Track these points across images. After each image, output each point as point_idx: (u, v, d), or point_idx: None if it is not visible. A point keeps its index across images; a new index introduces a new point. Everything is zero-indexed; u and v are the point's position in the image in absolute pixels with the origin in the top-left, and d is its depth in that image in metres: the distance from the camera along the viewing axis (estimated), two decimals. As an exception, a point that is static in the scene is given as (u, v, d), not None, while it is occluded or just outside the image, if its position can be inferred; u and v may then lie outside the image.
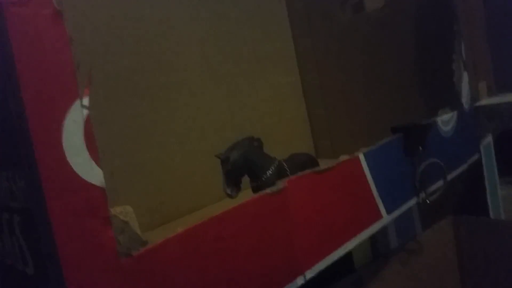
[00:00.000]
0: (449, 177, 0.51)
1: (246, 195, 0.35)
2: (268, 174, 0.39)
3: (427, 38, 0.59)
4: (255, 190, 0.39)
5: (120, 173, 0.50)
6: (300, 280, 0.34)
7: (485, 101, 1.08)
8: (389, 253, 0.60)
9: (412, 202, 0.46)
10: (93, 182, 0.23)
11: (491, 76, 1.20)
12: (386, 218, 0.42)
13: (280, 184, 0.33)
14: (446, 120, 0.53)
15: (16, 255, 0.28)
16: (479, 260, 0.63)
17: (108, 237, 0.24)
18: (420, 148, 0.46)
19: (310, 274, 0.34)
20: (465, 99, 0.57)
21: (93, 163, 0.24)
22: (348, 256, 0.55)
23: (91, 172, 0.23)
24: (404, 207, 0.45)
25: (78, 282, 0.23)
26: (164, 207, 0.56)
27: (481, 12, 1.19)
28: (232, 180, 0.38)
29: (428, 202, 0.45)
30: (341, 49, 0.70)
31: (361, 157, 0.40)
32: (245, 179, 0.40)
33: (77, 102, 0.23)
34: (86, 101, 0.24)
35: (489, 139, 0.68)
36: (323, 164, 0.38)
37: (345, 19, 0.68)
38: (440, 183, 0.49)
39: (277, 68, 0.75)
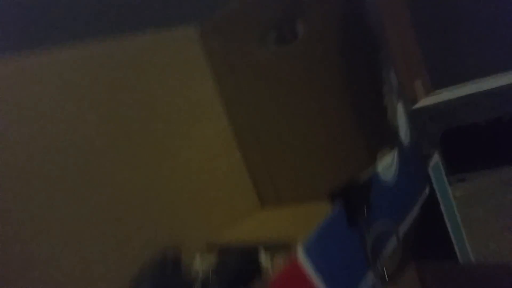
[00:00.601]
0: (403, 229, 0.45)
1: None
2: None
3: (355, 71, 0.54)
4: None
5: None
6: None
7: (423, 102, 1.06)
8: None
9: (369, 281, 0.40)
10: None
11: (426, 74, 1.19)
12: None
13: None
14: (387, 165, 0.48)
15: None
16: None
17: None
18: (365, 212, 0.40)
19: None
20: (403, 132, 0.52)
21: None
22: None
23: None
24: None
25: None
26: None
27: (407, 11, 1.17)
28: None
29: (387, 279, 0.40)
30: (267, 87, 0.63)
31: (300, 255, 0.33)
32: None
33: None
34: None
35: (435, 157, 0.64)
36: (269, 215, 0.32)
37: (266, 54, 0.62)
38: (394, 241, 0.44)
39: (202, 117, 0.67)
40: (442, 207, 0.63)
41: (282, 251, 0.39)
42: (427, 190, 0.55)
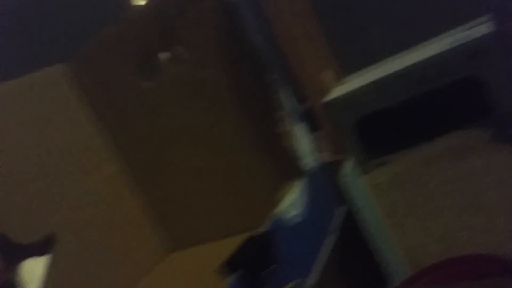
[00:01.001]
0: (318, 268, 0.41)
1: None
2: None
3: (245, 96, 0.48)
4: None
5: None
6: None
7: (335, 92, 1.03)
8: None
9: None
10: None
11: (334, 61, 1.16)
12: None
13: None
14: (292, 200, 0.43)
15: None
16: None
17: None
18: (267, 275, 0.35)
19: None
20: (308, 157, 0.47)
21: None
22: None
23: None
24: None
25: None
26: None
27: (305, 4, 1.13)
28: None
29: None
30: (153, 120, 0.56)
31: None
32: None
33: None
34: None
35: (349, 163, 0.61)
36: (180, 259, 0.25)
37: (146, 85, 0.54)
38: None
39: (89, 163, 0.59)
40: (362, 216, 0.60)
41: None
42: (342, 209, 0.52)
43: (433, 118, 1.06)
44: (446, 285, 0.58)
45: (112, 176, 0.61)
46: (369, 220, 0.58)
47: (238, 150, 0.51)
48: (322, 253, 0.44)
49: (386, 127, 1.13)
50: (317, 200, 0.46)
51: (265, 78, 0.44)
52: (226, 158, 0.52)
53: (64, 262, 0.51)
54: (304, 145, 0.47)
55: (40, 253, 0.46)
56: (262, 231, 0.38)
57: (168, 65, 0.52)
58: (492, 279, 0.54)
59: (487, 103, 0.87)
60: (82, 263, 0.52)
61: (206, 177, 0.54)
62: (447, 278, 0.63)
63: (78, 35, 0.58)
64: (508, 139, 0.83)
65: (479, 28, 0.91)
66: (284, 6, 1.01)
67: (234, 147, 0.51)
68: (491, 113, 0.88)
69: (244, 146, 0.50)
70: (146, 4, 0.49)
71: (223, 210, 0.52)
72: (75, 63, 0.56)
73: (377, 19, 1.15)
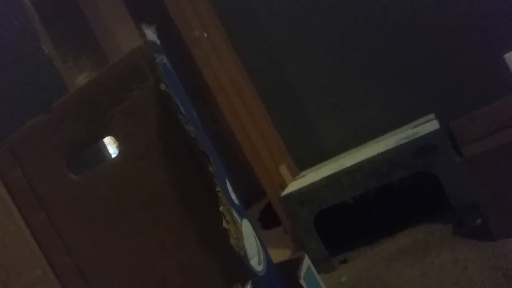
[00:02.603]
0: None
1: None
2: None
3: (184, 189, 0.43)
4: None
5: None
6: None
7: (291, 187, 1.01)
8: None
9: None
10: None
11: (289, 157, 1.16)
12: None
13: None
14: (239, 310, 0.36)
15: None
16: None
17: None
18: None
19: None
20: (256, 257, 0.41)
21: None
22: None
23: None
24: None
25: None
26: None
27: (256, 98, 1.16)
28: None
29: None
30: (81, 213, 0.50)
31: None
32: None
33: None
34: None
35: (306, 261, 0.55)
36: None
37: (76, 180, 0.49)
38: None
39: (16, 264, 0.50)
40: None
41: None
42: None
43: (392, 213, 1.04)
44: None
45: (36, 281, 0.52)
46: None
47: (181, 249, 0.45)
48: None
49: (345, 223, 1.10)
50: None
51: (206, 171, 0.40)
52: (169, 258, 0.46)
53: None
54: (252, 243, 0.41)
55: None
56: None
57: (102, 156, 0.48)
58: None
59: (444, 198, 0.86)
60: None
61: (146, 283, 0.47)
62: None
63: (8, 122, 0.53)
64: (469, 233, 0.81)
65: (426, 125, 0.94)
66: (236, 103, 1.02)
67: (177, 245, 0.45)
68: (449, 208, 0.87)
69: (188, 245, 0.44)
70: (78, 93, 0.45)
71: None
72: (0, 154, 0.50)
73: (327, 116, 1.18)
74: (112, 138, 0.46)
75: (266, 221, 1.31)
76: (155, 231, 0.46)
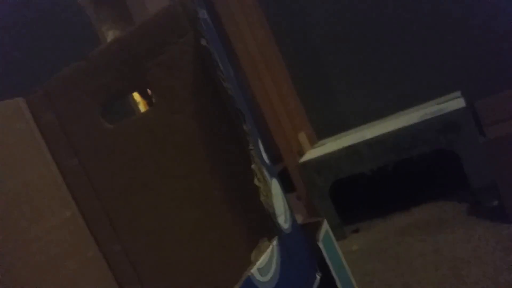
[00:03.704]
0: None
1: None
2: None
3: (216, 145, 0.44)
4: None
5: None
6: None
7: (309, 155, 1.02)
8: None
9: None
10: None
11: (309, 125, 1.16)
12: None
13: None
14: (264, 263, 0.38)
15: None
16: None
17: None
18: None
19: None
20: (282, 216, 0.43)
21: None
22: None
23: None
24: None
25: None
26: None
27: (281, 61, 1.15)
28: None
29: None
30: (113, 162, 0.51)
31: None
32: None
33: None
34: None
35: (325, 226, 0.56)
36: None
37: (110, 128, 0.50)
38: None
39: (44, 207, 0.52)
40: (337, 285, 0.54)
41: None
42: (318, 275, 0.47)
43: (408, 188, 1.05)
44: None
45: (68, 222, 0.54)
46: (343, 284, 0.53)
47: (210, 203, 0.46)
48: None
49: (360, 194, 1.11)
50: (292, 263, 0.41)
51: (239, 129, 0.40)
52: (198, 212, 0.47)
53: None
54: (279, 203, 0.42)
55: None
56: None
57: (135, 108, 0.48)
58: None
59: (462, 176, 0.86)
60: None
61: (174, 231, 0.49)
62: None
63: (43, 69, 0.54)
64: (485, 213, 0.81)
65: (452, 103, 0.93)
66: (260, 67, 1.01)
67: (206, 200, 0.47)
68: (466, 187, 0.87)
69: (217, 200, 0.46)
70: (115, 43, 0.46)
71: (191, 267, 0.46)
72: (36, 98, 0.51)
73: (351, 86, 1.17)
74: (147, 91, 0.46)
75: (280, 186, 1.33)
76: (185, 183, 0.47)
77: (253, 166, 0.41)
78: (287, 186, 1.31)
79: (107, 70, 0.48)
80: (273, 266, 0.39)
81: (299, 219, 1.03)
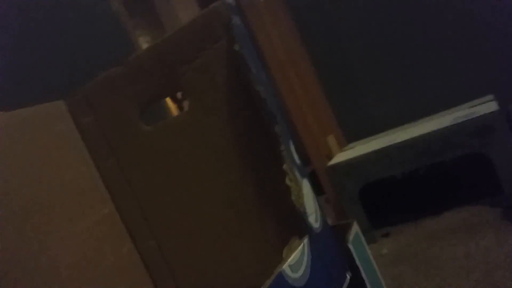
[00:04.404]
0: None
1: None
2: None
3: (249, 146, 0.46)
4: None
5: None
6: None
7: (338, 158, 1.02)
8: None
9: None
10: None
11: (338, 128, 1.16)
12: None
13: None
14: (295, 260, 0.39)
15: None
16: None
17: None
18: None
19: None
20: (313, 216, 0.44)
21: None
22: None
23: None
24: None
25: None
26: None
27: (311, 67, 1.16)
28: None
29: None
30: (150, 162, 0.53)
31: None
32: None
33: None
34: None
35: (355, 228, 0.57)
36: None
37: (147, 131, 0.52)
38: None
39: (83, 204, 0.55)
40: (367, 285, 0.55)
41: None
42: (348, 276, 0.48)
43: (439, 192, 1.03)
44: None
45: (105, 219, 0.57)
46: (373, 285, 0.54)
47: (243, 203, 0.48)
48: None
49: (390, 198, 1.10)
50: (322, 261, 0.42)
51: (270, 129, 0.42)
52: (231, 211, 0.49)
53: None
54: (310, 202, 0.43)
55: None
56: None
57: (171, 110, 0.51)
58: None
59: (494, 181, 0.84)
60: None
61: (207, 229, 0.51)
62: None
63: (82, 74, 0.57)
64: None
65: (484, 106, 0.91)
66: (289, 70, 1.02)
67: (239, 199, 0.48)
68: (499, 192, 0.85)
69: (249, 199, 0.47)
70: (152, 49, 0.48)
71: (223, 264, 0.48)
72: (76, 101, 0.54)
73: (381, 89, 1.17)
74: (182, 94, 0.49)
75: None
76: (218, 183, 0.49)
77: (284, 166, 0.42)
78: (316, 189, 1.31)
79: (144, 75, 0.50)
80: (304, 263, 0.40)
81: (329, 222, 1.03)
